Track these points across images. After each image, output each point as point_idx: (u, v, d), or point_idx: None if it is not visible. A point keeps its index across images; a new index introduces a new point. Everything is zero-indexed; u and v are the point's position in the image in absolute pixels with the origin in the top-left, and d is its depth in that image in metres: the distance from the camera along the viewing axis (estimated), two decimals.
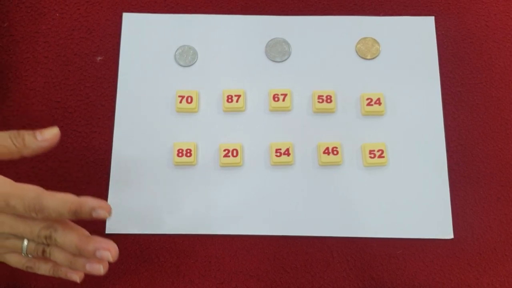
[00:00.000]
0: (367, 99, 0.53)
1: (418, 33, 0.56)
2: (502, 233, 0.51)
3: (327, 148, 0.52)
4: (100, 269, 0.40)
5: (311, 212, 0.51)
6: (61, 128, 0.53)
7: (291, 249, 0.50)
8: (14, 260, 0.43)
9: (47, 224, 0.40)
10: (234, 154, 0.52)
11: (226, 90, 0.54)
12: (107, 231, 0.50)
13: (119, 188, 0.51)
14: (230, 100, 0.53)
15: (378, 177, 0.52)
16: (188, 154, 0.52)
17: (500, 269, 0.50)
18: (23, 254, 0.42)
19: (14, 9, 0.56)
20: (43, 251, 0.41)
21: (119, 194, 0.51)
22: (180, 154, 0.52)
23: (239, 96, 0.53)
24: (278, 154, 0.51)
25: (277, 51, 0.55)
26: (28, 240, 0.41)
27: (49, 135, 0.40)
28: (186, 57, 0.55)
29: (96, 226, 0.51)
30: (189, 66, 0.55)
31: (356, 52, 0.56)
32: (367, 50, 0.55)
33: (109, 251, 0.39)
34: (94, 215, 0.38)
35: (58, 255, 0.41)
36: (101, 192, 0.51)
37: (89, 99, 0.54)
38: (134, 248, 0.50)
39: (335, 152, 0.51)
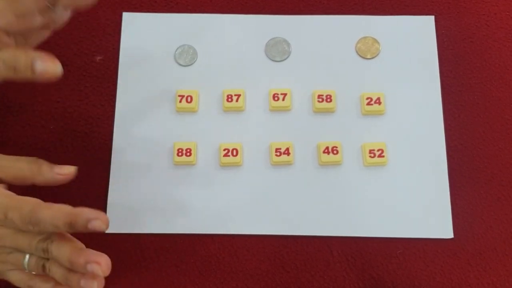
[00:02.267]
0: (367, 98, 0.53)
1: (418, 33, 0.56)
2: (502, 233, 0.51)
3: (327, 148, 0.52)
4: (93, 285, 0.40)
5: (311, 211, 0.51)
6: (61, 127, 0.53)
7: (291, 248, 0.50)
8: (16, 278, 0.42)
9: (44, 236, 0.39)
10: (234, 153, 0.52)
11: (226, 89, 0.54)
12: (107, 230, 0.50)
13: (119, 187, 0.51)
14: (230, 100, 0.53)
15: (378, 177, 0.52)
16: (188, 154, 0.52)
17: (500, 268, 0.50)
18: (25, 270, 0.41)
19: None
20: (43, 267, 0.41)
21: (119, 194, 0.51)
22: (180, 154, 0.52)
23: (239, 95, 0.53)
24: (278, 153, 0.51)
25: (277, 50, 0.55)
26: (29, 254, 0.41)
27: (66, 171, 0.40)
28: (186, 56, 0.55)
29: None
30: (189, 65, 0.55)
31: (356, 51, 0.56)
32: (367, 50, 0.55)
33: (99, 265, 0.38)
34: (90, 227, 0.37)
35: (56, 271, 0.40)
36: (101, 191, 0.51)
37: (88, 99, 0.54)
38: (134, 248, 0.50)
39: (335, 152, 0.51)
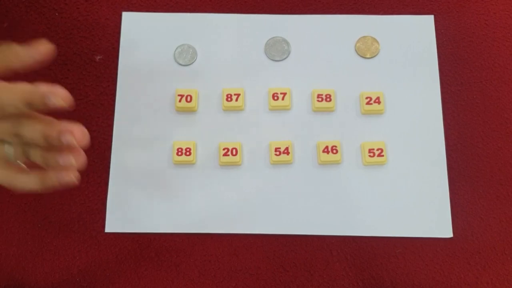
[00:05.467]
0: (367, 97, 0.53)
1: (418, 32, 0.56)
2: (501, 232, 0.51)
3: (327, 147, 0.52)
4: (70, 160, 0.36)
5: (310, 211, 0.51)
6: None
7: (291, 247, 0.50)
8: (1, 176, 0.39)
9: (13, 120, 0.37)
10: (234, 153, 0.52)
11: (226, 89, 0.54)
12: (107, 229, 0.51)
13: (118, 187, 0.51)
14: (229, 99, 0.53)
15: (378, 176, 0.52)
16: (188, 153, 0.52)
17: (499, 267, 0.50)
18: (12, 161, 0.38)
19: (13, 9, 0.56)
20: (24, 153, 0.38)
21: (119, 193, 0.51)
22: (179, 153, 0.52)
23: (238, 95, 0.53)
24: (278, 153, 0.52)
25: (277, 50, 0.55)
26: (11, 143, 0.38)
27: (42, 46, 0.37)
28: (186, 56, 0.55)
29: (95, 225, 0.51)
30: (188, 65, 0.55)
31: (356, 51, 0.56)
32: (366, 49, 0.55)
33: (73, 134, 0.35)
34: (49, 103, 0.34)
35: (34, 153, 0.38)
36: (101, 190, 0.51)
37: (88, 98, 0.54)
38: (134, 247, 0.50)
39: (334, 151, 0.51)
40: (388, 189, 0.51)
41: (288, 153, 0.51)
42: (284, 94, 0.53)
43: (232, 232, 0.51)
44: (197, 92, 0.54)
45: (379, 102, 0.53)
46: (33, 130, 0.36)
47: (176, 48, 0.55)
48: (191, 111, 0.54)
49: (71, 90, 0.54)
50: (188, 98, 0.53)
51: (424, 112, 0.54)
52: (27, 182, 0.39)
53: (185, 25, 0.56)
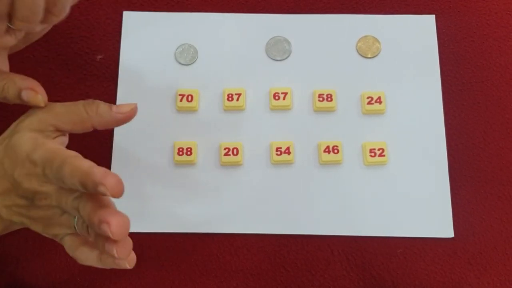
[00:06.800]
0: (368, 97, 0.53)
1: (419, 32, 0.56)
2: (502, 232, 0.51)
3: (328, 147, 0.52)
4: (112, 251, 0.34)
5: (311, 210, 0.51)
6: None
7: (292, 247, 0.50)
8: (68, 245, 0.39)
9: (77, 194, 0.36)
10: (235, 152, 0.52)
11: (227, 88, 0.54)
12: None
13: None
14: (230, 99, 0.53)
15: (379, 176, 0.52)
16: (189, 153, 0.51)
17: (500, 267, 0.50)
18: (78, 232, 0.38)
19: None
20: (88, 228, 0.37)
21: None
22: (180, 153, 0.51)
23: (239, 94, 0.53)
24: (279, 153, 0.51)
25: (278, 49, 0.55)
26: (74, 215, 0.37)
27: (127, 108, 0.39)
28: (187, 55, 0.55)
29: None
30: (189, 64, 0.55)
31: (357, 50, 0.55)
32: (367, 49, 0.55)
33: (109, 225, 0.33)
34: (99, 191, 0.33)
35: (90, 232, 0.37)
36: None
37: (89, 98, 0.54)
38: (134, 247, 0.50)
39: (335, 151, 0.51)
40: (389, 189, 0.51)
41: (289, 153, 0.51)
42: (285, 94, 0.53)
43: (233, 232, 0.51)
44: (198, 91, 0.54)
45: (380, 102, 0.53)
46: (85, 212, 0.35)
47: (177, 48, 0.55)
48: (192, 110, 0.54)
49: (71, 90, 0.54)
50: (189, 98, 0.53)
51: (425, 112, 0.53)
52: (87, 257, 0.38)
53: (186, 24, 0.56)
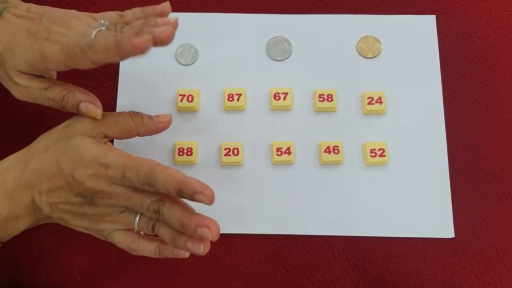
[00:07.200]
0: (368, 98, 0.53)
1: (420, 32, 0.56)
2: (503, 232, 0.51)
3: (328, 147, 0.51)
4: (200, 248, 0.40)
5: (312, 211, 0.51)
6: None
7: (292, 248, 0.50)
8: (120, 239, 0.42)
9: (157, 197, 0.40)
10: (235, 153, 0.52)
11: (227, 88, 0.54)
12: None
13: None
14: (231, 99, 0.53)
15: (379, 176, 0.52)
16: (189, 153, 0.51)
17: (501, 268, 0.50)
18: (135, 230, 0.42)
19: None
20: (153, 227, 0.41)
21: None
22: (181, 153, 0.51)
23: (240, 95, 0.53)
24: (279, 153, 0.51)
25: (278, 49, 0.55)
26: (140, 214, 0.41)
27: (165, 118, 0.45)
28: (187, 55, 0.55)
29: None
30: (190, 64, 0.55)
31: (357, 50, 0.55)
32: (368, 49, 0.55)
33: (210, 229, 0.38)
34: (196, 198, 0.38)
35: (164, 231, 0.41)
36: None
37: None
38: None
39: (336, 151, 0.51)
40: (389, 189, 0.51)
41: (289, 153, 0.51)
42: (286, 94, 0.53)
43: (233, 232, 0.50)
44: (198, 92, 0.54)
45: (380, 102, 0.53)
46: (173, 214, 0.39)
47: (178, 48, 0.55)
48: (193, 111, 0.53)
49: None
50: (190, 98, 0.53)
51: (425, 112, 0.53)
52: (146, 248, 0.42)
53: (186, 24, 0.56)
